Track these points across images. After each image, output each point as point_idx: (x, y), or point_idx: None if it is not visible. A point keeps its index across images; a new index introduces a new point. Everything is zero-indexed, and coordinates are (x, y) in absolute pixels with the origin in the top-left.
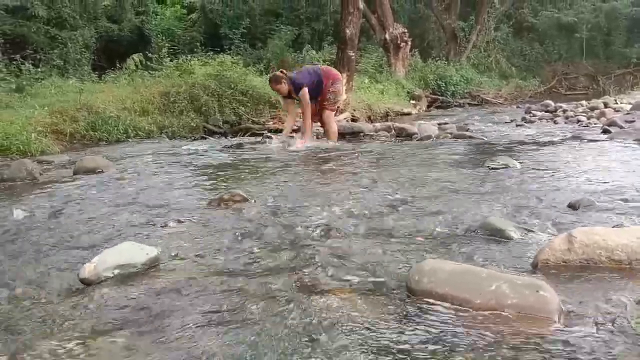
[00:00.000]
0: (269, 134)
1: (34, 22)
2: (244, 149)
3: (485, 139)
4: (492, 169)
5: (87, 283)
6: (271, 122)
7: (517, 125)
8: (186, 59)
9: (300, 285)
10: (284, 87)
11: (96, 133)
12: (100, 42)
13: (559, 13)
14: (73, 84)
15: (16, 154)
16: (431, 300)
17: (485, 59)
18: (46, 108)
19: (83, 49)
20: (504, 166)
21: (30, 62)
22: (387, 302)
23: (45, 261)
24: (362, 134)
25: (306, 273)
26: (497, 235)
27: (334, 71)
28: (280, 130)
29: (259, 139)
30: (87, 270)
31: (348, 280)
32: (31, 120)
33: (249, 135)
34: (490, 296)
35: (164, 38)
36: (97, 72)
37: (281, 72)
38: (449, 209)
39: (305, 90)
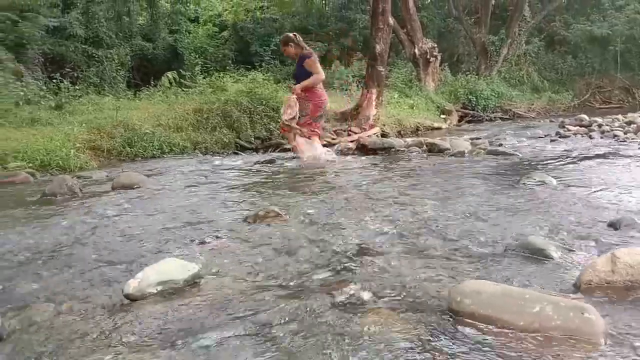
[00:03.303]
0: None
1: (72, 42)
2: (276, 164)
3: (520, 155)
4: (529, 185)
5: (131, 299)
6: None
7: (551, 140)
8: (219, 76)
9: (339, 304)
10: (291, 49)
11: (132, 149)
12: (135, 60)
13: (591, 26)
14: (109, 101)
15: (56, 170)
16: (473, 322)
17: (517, 73)
18: (84, 125)
19: (119, 67)
20: (540, 183)
21: (68, 80)
22: (428, 323)
23: (89, 276)
24: (393, 149)
25: (344, 292)
26: (537, 254)
27: (322, 93)
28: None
29: (289, 154)
30: (132, 286)
31: (387, 300)
32: (70, 137)
33: (280, 151)
34: (533, 318)
35: (196, 56)
36: (132, 90)
37: (294, 34)
38: (486, 227)
39: (317, 62)
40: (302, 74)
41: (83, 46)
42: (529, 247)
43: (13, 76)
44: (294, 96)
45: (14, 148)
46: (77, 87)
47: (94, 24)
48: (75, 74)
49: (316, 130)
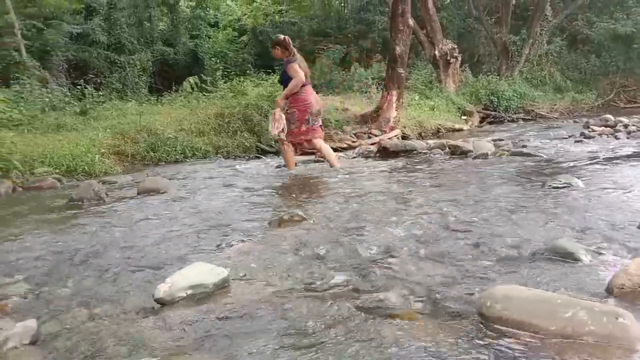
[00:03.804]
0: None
1: (95, 48)
2: (297, 167)
3: (544, 156)
4: (555, 188)
5: (162, 303)
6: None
7: (576, 141)
8: (239, 81)
9: (367, 308)
10: (278, 52)
11: (156, 154)
12: (157, 65)
13: (615, 24)
14: (132, 106)
15: (82, 175)
16: (505, 327)
17: (539, 73)
18: (108, 130)
19: (140, 72)
20: (566, 185)
21: (92, 86)
22: (459, 328)
23: (119, 280)
24: (415, 151)
25: (372, 296)
26: (566, 258)
27: (305, 97)
28: (332, 149)
29: (311, 157)
30: (162, 290)
31: (415, 304)
32: (95, 142)
33: (300, 154)
34: (566, 323)
35: (217, 60)
36: (154, 94)
37: (284, 38)
38: (512, 230)
39: (296, 66)
40: (286, 79)
41: (106, 52)
42: (558, 250)
43: (38, 83)
44: (278, 109)
45: (40, 154)
46: (100, 92)
47: (116, 30)
48: (99, 80)
49: (317, 132)
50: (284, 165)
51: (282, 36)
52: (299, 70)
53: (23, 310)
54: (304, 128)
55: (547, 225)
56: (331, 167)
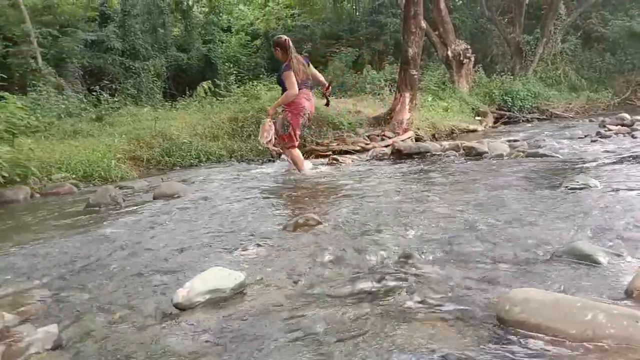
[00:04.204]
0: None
1: (110, 54)
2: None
3: (560, 157)
4: (571, 189)
5: (180, 308)
6: (335, 144)
7: (592, 141)
8: (252, 85)
9: (385, 313)
10: (278, 54)
11: (171, 158)
12: (171, 71)
13: (630, 21)
14: (147, 112)
15: (98, 180)
16: (524, 331)
17: (553, 72)
18: (124, 136)
19: (155, 78)
20: (583, 186)
21: (107, 92)
22: (478, 332)
23: (138, 285)
24: (429, 153)
25: (390, 300)
26: (584, 260)
27: (299, 101)
28: (345, 152)
29: (323, 160)
30: (181, 295)
31: (434, 308)
32: (111, 148)
33: (314, 157)
34: (586, 327)
35: (230, 65)
36: (168, 100)
37: (285, 40)
38: (530, 232)
39: (292, 77)
40: (281, 82)
41: (120, 58)
42: (576, 252)
43: (55, 90)
44: (269, 119)
45: (57, 160)
46: (115, 98)
47: (130, 36)
48: (114, 86)
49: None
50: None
51: (283, 37)
52: (294, 82)
53: (44, 316)
54: (299, 132)
55: (564, 227)
56: (290, 170)
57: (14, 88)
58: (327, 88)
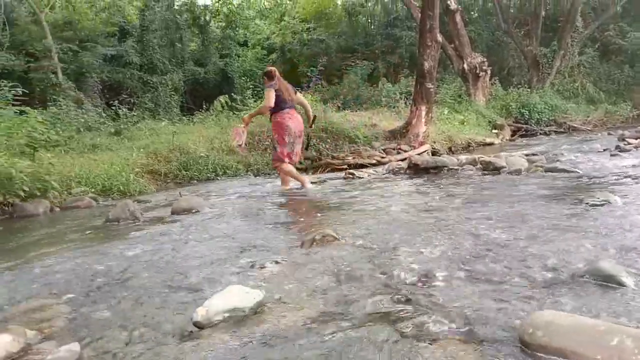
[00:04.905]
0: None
1: (129, 69)
2: (327, 185)
3: (579, 172)
4: (592, 205)
5: (200, 326)
6: (350, 157)
7: (611, 155)
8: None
9: (405, 334)
10: (265, 80)
11: (188, 172)
12: (188, 85)
13: None
14: (165, 126)
15: (117, 194)
16: (547, 355)
17: (571, 85)
18: (142, 150)
19: (172, 92)
20: (604, 202)
21: (125, 106)
22: (500, 355)
23: (157, 302)
24: (446, 168)
25: (409, 321)
26: (608, 281)
27: (282, 121)
28: (360, 166)
29: (340, 174)
30: (200, 314)
31: (454, 330)
32: (129, 162)
33: (329, 171)
34: (612, 352)
35: (246, 79)
36: (185, 113)
37: (272, 70)
38: (550, 251)
39: (270, 93)
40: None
41: (139, 73)
42: (599, 273)
43: (74, 104)
44: (242, 125)
45: (77, 174)
46: (133, 113)
47: (148, 51)
48: (132, 100)
49: (297, 154)
50: (315, 183)
51: (271, 68)
52: (272, 97)
53: (65, 333)
54: (286, 151)
55: (586, 245)
56: (282, 186)
57: (34, 102)
58: (311, 124)
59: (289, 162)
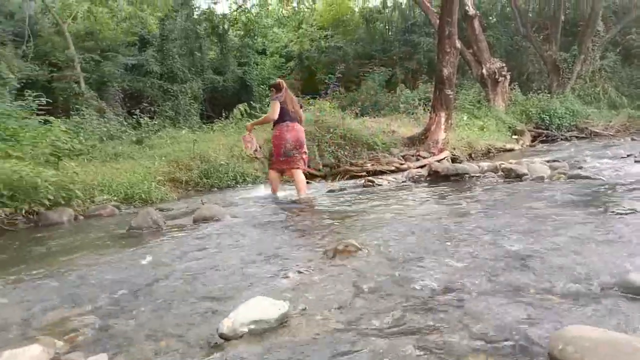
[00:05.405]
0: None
1: (149, 78)
2: (347, 192)
3: (603, 179)
4: (618, 214)
5: (225, 338)
6: (369, 164)
7: (635, 161)
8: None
9: (432, 349)
10: (273, 92)
11: (208, 180)
12: (207, 93)
13: None
14: (186, 134)
15: (139, 202)
16: None
17: (592, 90)
18: (163, 158)
19: (192, 100)
20: (630, 211)
21: (147, 114)
22: None
23: (183, 312)
24: (467, 175)
25: (434, 334)
26: (638, 294)
27: (280, 134)
28: (379, 172)
29: (359, 181)
30: (226, 325)
31: (482, 344)
32: (150, 170)
33: (348, 178)
34: None
35: (265, 87)
36: (204, 121)
37: (279, 83)
38: (577, 262)
39: (275, 105)
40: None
41: (159, 82)
42: (629, 285)
43: (96, 113)
44: (247, 133)
45: (99, 182)
46: (154, 121)
47: (168, 60)
48: (152, 109)
49: (294, 162)
50: (336, 190)
51: (279, 80)
52: (276, 109)
53: (92, 343)
54: (281, 159)
55: (613, 255)
56: (298, 195)
57: (58, 112)
58: None
59: (279, 170)
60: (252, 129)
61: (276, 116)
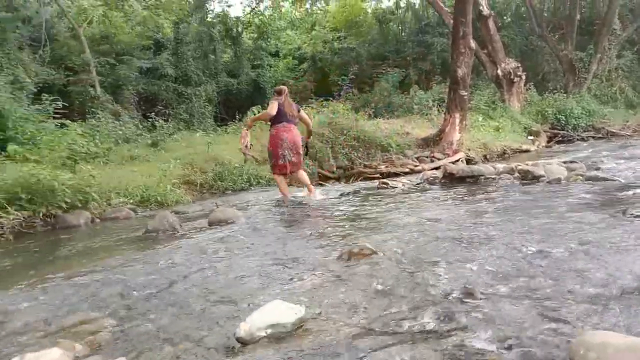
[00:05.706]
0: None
1: (164, 81)
2: (360, 194)
3: (622, 180)
4: (637, 216)
5: (243, 342)
6: (383, 166)
7: None
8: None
9: (449, 353)
10: (274, 95)
11: (223, 183)
12: (221, 96)
13: None
14: (200, 136)
15: (154, 205)
16: None
17: (608, 89)
18: (178, 161)
19: (206, 103)
20: None
21: (161, 117)
22: None
23: (198, 316)
24: (482, 177)
25: (452, 338)
26: None
27: (277, 133)
28: (393, 174)
29: (373, 183)
30: (243, 329)
31: (500, 349)
32: (166, 173)
33: (362, 180)
34: None
35: None
36: (219, 124)
37: (280, 88)
38: (597, 265)
39: (273, 104)
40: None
41: (173, 85)
42: None
43: (112, 116)
44: (244, 129)
45: (116, 185)
46: (169, 124)
47: (182, 63)
48: (167, 111)
49: (296, 165)
50: (349, 193)
51: (282, 87)
52: (274, 107)
53: (111, 346)
54: (280, 163)
55: (633, 258)
56: (309, 196)
57: (74, 115)
58: (308, 137)
59: (282, 173)
60: (252, 125)
61: (274, 112)
